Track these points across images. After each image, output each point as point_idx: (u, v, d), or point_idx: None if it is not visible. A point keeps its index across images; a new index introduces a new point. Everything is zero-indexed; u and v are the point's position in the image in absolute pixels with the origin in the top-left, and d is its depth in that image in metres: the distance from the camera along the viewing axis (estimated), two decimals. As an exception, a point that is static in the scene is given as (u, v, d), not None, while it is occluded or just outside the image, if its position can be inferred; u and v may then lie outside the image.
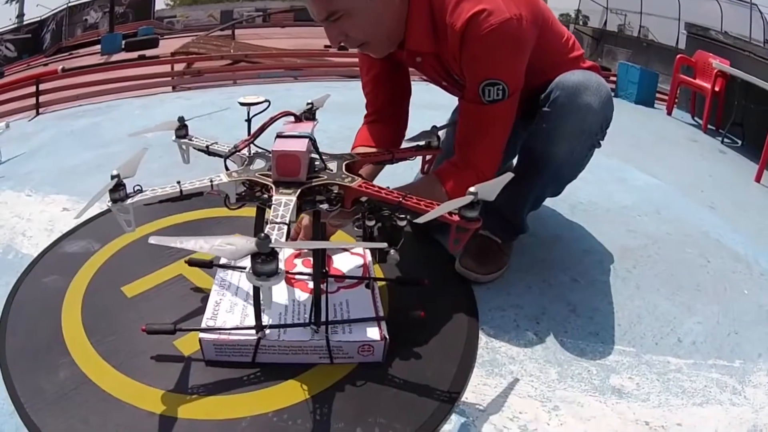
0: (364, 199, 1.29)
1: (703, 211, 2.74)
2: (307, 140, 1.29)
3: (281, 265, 1.02)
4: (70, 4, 25.58)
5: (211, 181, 1.27)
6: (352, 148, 1.79)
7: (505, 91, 1.48)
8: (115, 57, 12.45)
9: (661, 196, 2.84)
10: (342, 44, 1.55)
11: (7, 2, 32.44)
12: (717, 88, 5.69)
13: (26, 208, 2.32)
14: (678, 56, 6.53)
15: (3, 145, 3.22)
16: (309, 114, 1.61)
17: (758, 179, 4.01)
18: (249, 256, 1.00)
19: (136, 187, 1.26)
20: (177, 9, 33.03)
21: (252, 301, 1.40)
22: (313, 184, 1.27)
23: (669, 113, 6.12)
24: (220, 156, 1.49)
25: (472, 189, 1.12)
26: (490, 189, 1.13)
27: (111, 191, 1.21)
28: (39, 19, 26.50)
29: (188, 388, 1.30)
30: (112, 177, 1.21)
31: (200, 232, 1.94)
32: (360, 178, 1.31)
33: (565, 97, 1.58)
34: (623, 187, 2.87)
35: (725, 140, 5.24)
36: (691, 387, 1.48)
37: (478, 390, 1.39)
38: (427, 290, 1.62)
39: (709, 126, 5.64)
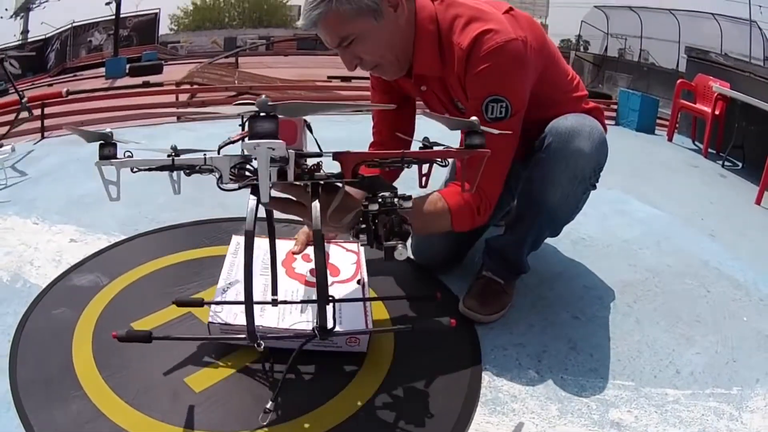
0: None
1: (704, 240, 2.82)
2: (302, 119, 1.28)
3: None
4: (74, 25, 25.89)
5: (204, 155, 1.24)
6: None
7: (508, 109, 1.54)
8: (120, 82, 12.53)
9: (662, 227, 2.90)
10: (357, 67, 1.62)
11: (12, 17, 32.81)
12: (717, 112, 5.79)
13: (33, 237, 2.36)
14: (678, 81, 6.64)
15: (8, 168, 3.29)
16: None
17: (758, 201, 4.07)
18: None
19: (127, 154, 1.24)
20: (180, 34, 33.31)
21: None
22: (309, 153, 1.27)
23: (670, 139, 6.22)
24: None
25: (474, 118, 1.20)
26: None
27: (101, 147, 1.19)
28: (44, 37, 26.83)
29: (200, 425, 1.34)
30: (104, 132, 1.19)
31: (204, 271, 1.99)
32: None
33: (557, 143, 1.63)
34: (624, 220, 2.92)
35: (726, 163, 5.36)
36: (689, 417, 1.52)
37: (481, 428, 1.43)
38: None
39: (709, 150, 5.72)
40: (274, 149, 1.04)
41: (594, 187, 1.76)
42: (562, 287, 2.12)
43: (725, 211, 3.55)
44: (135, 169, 1.23)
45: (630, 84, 17.26)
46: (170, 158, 1.24)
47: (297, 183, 1.25)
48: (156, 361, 1.51)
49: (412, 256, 2.13)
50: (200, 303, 1.65)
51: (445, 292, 1.99)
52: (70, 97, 9.33)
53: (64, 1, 36.43)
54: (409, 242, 1.48)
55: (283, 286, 1.65)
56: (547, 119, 1.70)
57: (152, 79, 11.02)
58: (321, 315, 1.25)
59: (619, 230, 2.75)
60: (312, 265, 1.71)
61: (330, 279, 1.63)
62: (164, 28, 34.43)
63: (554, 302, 2.01)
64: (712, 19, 20.22)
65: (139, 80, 11.18)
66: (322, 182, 1.25)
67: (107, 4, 20.63)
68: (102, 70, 15.47)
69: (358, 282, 1.73)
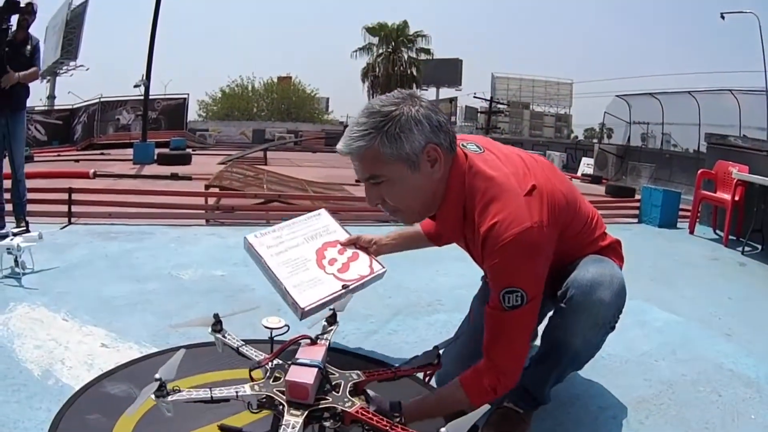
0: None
1: (719, 342, 3.03)
2: (316, 370, 1.65)
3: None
4: (102, 100, 27.00)
5: (237, 392, 1.63)
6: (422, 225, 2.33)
7: (524, 298, 1.67)
8: (147, 167, 12.98)
9: (679, 335, 3.12)
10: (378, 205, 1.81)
11: (38, 79, 33.99)
12: (737, 197, 6.17)
13: (64, 335, 2.61)
14: (699, 172, 7.01)
15: (34, 252, 3.57)
16: (331, 319, 2.04)
17: None
18: None
19: (175, 388, 1.60)
20: (209, 122, 34.47)
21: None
22: (320, 406, 1.61)
23: (691, 232, 6.63)
24: (248, 359, 1.85)
25: (442, 430, 1.40)
26: (460, 427, 1.42)
27: (156, 390, 1.55)
28: (71, 107, 28.05)
29: None
30: (155, 380, 1.56)
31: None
32: (358, 403, 1.63)
33: (579, 295, 1.83)
34: (643, 331, 3.13)
35: (746, 248, 5.71)
36: None
37: None
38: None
39: (730, 236, 6.12)
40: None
41: (613, 329, 1.93)
42: (578, 410, 2.26)
43: (743, 305, 3.83)
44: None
45: (653, 174, 18.01)
46: (209, 395, 1.63)
47: None
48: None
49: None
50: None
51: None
52: (96, 179, 9.87)
53: (91, 73, 38.07)
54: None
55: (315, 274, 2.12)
56: (572, 262, 1.92)
57: (180, 170, 11.39)
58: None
59: (638, 342, 2.93)
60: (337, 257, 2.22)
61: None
62: (192, 113, 35.84)
63: (570, 426, 2.16)
64: (729, 94, 20.75)
65: (167, 169, 11.55)
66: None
67: (136, 86, 21.51)
68: (129, 151, 16.01)
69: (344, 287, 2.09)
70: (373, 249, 2.25)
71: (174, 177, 10.20)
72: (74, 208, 5.41)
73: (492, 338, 1.76)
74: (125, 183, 9.51)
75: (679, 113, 22.55)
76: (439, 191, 1.77)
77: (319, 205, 2.02)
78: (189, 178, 10.01)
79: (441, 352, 1.93)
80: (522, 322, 1.73)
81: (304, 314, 1.99)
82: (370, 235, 2.28)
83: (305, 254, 2.20)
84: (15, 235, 3.56)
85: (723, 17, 26.71)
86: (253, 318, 2.53)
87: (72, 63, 36.02)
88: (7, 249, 3.45)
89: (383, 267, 2.21)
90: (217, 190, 6.18)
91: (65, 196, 5.44)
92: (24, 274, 3.43)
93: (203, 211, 5.66)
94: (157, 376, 1.57)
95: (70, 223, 5.26)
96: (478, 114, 43.21)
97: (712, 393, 2.42)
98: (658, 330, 3.15)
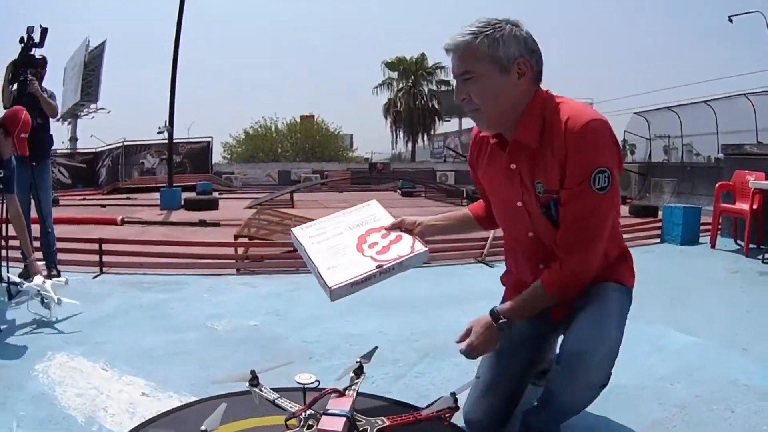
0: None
1: (735, 359, 3.16)
2: (345, 419, 1.87)
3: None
4: (125, 144, 27.64)
5: None
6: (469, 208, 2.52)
7: (610, 179, 1.87)
8: (174, 213, 13.27)
9: (697, 356, 3.23)
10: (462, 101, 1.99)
11: (59, 120, 35.06)
12: (755, 206, 6.49)
13: (104, 384, 2.77)
14: (717, 185, 7.27)
15: (66, 297, 3.81)
16: (358, 371, 2.23)
17: None
18: None
19: None
20: (234, 165, 34.98)
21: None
22: None
23: (713, 246, 6.95)
24: (283, 410, 2.03)
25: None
26: None
27: None
28: (94, 150, 28.76)
29: None
30: (201, 431, 1.78)
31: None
32: None
33: (571, 361, 1.92)
34: (661, 356, 3.24)
35: (766, 256, 6.03)
36: None
37: None
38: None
39: (751, 245, 6.46)
40: None
41: (606, 385, 2.00)
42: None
43: (761, 317, 4.05)
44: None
45: (676, 188, 17.98)
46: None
47: None
48: None
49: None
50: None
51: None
52: (124, 225, 10.14)
53: (113, 116, 38.88)
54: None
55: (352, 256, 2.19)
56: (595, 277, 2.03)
57: (208, 215, 11.66)
58: None
59: (655, 368, 3.03)
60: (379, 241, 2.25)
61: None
62: (217, 155, 36.44)
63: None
64: (744, 97, 20.71)
65: (194, 215, 11.81)
66: None
67: (159, 132, 22.11)
68: (155, 195, 16.39)
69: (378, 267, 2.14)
70: (417, 230, 2.29)
71: (202, 224, 10.44)
72: (105, 258, 5.60)
73: (579, 230, 1.94)
74: (154, 231, 9.71)
75: (697, 123, 22.55)
76: (520, 105, 1.96)
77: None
78: (217, 225, 10.24)
79: (458, 396, 2.06)
80: (610, 205, 1.94)
81: (333, 294, 2.05)
82: (413, 217, 2.35)
83: (346, 241, 2.25)
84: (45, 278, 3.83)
85: (731, 20, 26.79)
86: (287, 369, 2.73)
87: (93, 105, 37.43)
88: (37, 290, 3.71)
89: (425, 246, 2.22)
90: (246, 239, 6.36)
91: (95, 246, 5.63)
92: (57, 321, 3.69)
93: (234, 261, 5.86)
94: (202, 428, 1.78)
95: (101, 272, 5.46)
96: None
97: (726, 410, 2.51)
98: (675, 353, 3.27)
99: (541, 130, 1.93)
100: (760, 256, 6.03)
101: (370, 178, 29.91)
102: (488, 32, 1.89)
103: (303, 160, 42.28)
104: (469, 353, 2.02)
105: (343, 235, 2.28)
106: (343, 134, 52.53)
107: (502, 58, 1.88)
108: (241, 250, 6.13)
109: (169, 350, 3.28)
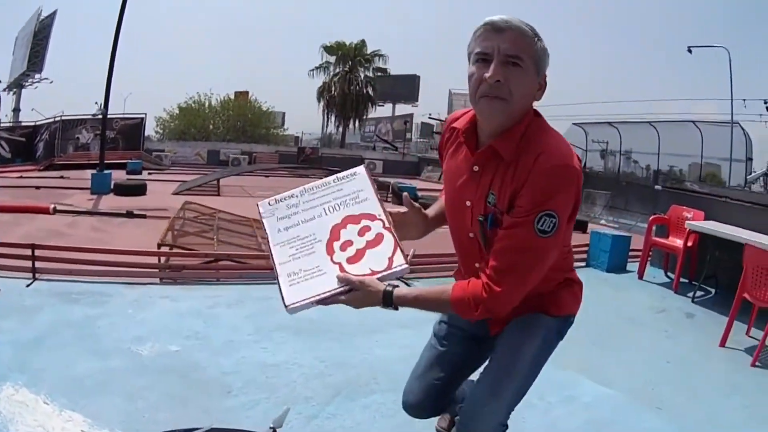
0: None
1: (648, 417, 3.16)
2: None
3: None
4: (63, 118, 27.35)
5: None
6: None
7: (556, 226, 1.81)
8: (104, 199, 13.58)
9: (608, 410, 3.23)
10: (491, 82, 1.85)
11: (5, 91, 34.47)
12: (690, 243, 6.26)
13: (48, 420, 2.97)
14: (650, 218, 7.16)
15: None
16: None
17: (723, 344, 4.43)
18: None
19: None
20: (166, 143, 34.69)
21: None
22: None
23: (641, 276, 6.80)
24: None
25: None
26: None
27: None
28: (33, 124, 28.45)
29: None
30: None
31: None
32: None
33: (466, 418, 2.06)
34: (570, 408, 3.26)
35: (697, 294, 5.86)
36: None
37: None
38: None
39: (682, 279, 6.28)
40: None
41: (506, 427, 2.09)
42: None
43: (680, 370, 3.98)
44: None
45: (609, 202, 18.21)
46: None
47: None
48: None
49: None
50: None
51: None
52: (56, 215, 10.34)
53: (54, 86, 38.19)
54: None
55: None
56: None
57: (136, 201, 11.95)
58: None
59: (562, 422, 3.06)
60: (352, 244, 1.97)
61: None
62: (150, 130, 36.08)
63: None
64: (692, 125, 21.48)
65: (123, 201, 12.15)
66: None
67: (95, 116, 22.11)
68: (87, 175, 16.63)
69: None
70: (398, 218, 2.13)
71: (129, 215, 10.81)
72: (38, 264, 5.69)
73: (506, 260, 1.87)
74: (83, 222, 10.10)
75: (638, 142, 23.02)
76: (523, 111, 1.93)
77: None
78: (144, 216, 10.63)
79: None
80: (545, 251, 1.86)
81: (289, 311, 1.87)
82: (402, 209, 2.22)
83: (318, 231, 1.99)
84: None
85: (690, 51, 27.54)
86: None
87: (37, 75, 36.62)
88: None
89: (405, 262, 1.92)
90: (167, 249, 6.64)
91: (28, 251, 5.70)
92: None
93: (157, 270, 6.18)
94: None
95: (35, 278, 5.56)
96: (434, 134, 43.76)
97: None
98: (586, 406, 3.26)
99: (518, 145, 1.90)
100: (691, 293, 5.94)
101: (298, 160, 30.72)
102: (540, 38, 1.89)
103: (233, 139, 41.99)
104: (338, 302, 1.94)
105: (316, 222, 2.00)
106: (275, 112, 52.10)
107: (542, 67, 1.91)
108: (163, 260, 6.42)
109: (99, 379, 3.49)
